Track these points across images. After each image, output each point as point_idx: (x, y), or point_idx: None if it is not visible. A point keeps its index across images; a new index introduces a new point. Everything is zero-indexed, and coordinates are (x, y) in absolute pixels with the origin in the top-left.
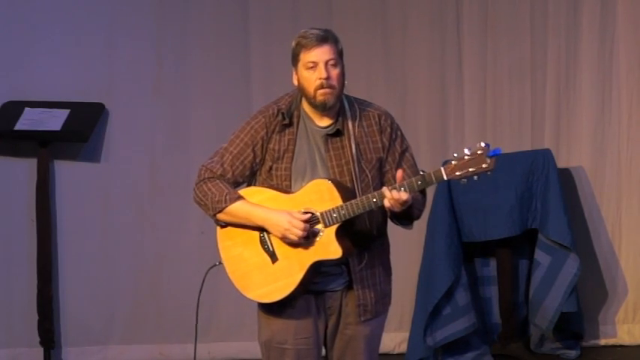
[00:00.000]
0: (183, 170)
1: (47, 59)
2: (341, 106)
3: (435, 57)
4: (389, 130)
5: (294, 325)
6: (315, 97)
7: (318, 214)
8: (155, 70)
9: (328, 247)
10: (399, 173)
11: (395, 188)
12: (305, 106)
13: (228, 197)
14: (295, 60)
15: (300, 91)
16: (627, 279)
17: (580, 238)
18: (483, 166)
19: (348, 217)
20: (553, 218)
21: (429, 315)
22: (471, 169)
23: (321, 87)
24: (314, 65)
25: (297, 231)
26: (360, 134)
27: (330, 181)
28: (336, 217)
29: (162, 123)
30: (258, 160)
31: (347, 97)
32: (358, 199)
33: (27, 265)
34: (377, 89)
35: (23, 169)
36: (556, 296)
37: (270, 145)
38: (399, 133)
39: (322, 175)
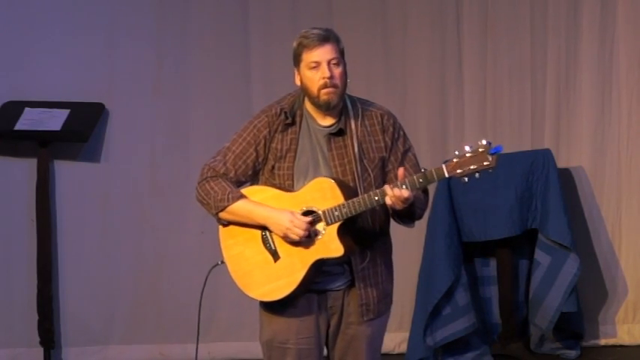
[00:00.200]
0: (183, 170)
1: (47, 59)
2: (343, 105)
3: (435, 57)
4: (391, 129)
5: (296, 324)
6: (318, 96)
7: (320, 212)
8: (155, 70)
9: (330, 245)
10: (401, 171)
11: (396, 186)
12: (307, 105)
13: (230, 196)
14: (297, 60)
15: (303, 91)
16: (627, 279)
17: (580, 238)
18: (485, 163)
19: (350, 215)
20: (553, 218)
21: (429, 315)
22: (472, 167)
23: (325, 86)
24: (317, 65)
25: (298, 230)
26: (363, 133)
27: (332, 180)
28: (338, 215)
29: (162, 123)
30: (260, 160)
31: (349, 96)
32: (360, 197)
33: (27, 265)
34: (377, 89)
35: (23, 169)
36: (556, 296)
37: (273, 145)
38: (401, 132)
39: (325, 174)
